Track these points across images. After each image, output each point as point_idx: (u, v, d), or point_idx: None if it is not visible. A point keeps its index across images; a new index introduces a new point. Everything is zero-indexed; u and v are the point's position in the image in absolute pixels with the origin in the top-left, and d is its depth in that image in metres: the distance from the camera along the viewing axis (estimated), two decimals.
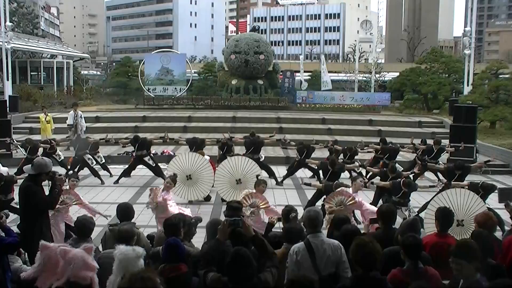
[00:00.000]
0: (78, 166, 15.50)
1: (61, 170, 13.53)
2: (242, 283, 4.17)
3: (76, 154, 15.79)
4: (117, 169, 16.48)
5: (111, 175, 16.08)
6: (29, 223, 6.77)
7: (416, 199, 12.36)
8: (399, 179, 10.87)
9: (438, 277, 4.71)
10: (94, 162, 15.80)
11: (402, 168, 13.59)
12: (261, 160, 15.26)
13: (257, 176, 10.78)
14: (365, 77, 37.77)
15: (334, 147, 15.51)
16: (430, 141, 16.58)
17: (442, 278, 4.79)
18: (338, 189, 9.16)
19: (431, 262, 4.96)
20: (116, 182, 15.35)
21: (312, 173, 15.89)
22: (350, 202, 8.71)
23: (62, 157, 16.05)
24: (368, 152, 15.97)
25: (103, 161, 16.39)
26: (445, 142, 17.57)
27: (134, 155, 15.90)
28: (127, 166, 16.00)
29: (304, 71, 38.47)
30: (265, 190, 9.25)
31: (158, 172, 15.38)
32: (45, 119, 20.84)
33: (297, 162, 15.48)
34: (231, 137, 16.34)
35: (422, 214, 9.55)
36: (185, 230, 5.78)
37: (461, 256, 4.22)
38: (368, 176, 14.90)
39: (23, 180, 7.29)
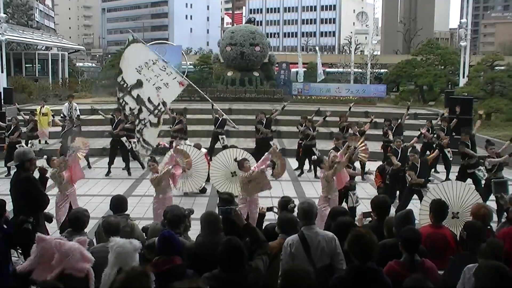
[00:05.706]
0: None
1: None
2: (234, 271, 4.18)
3: (62, 143, 15.88)
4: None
5: (89, 167, 16.26)
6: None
7: None
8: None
9: (435, 269, 4.71)
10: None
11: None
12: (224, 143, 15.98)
13: (235, 159, 10.25)
14: (360, 69, 37.76)
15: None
16: None
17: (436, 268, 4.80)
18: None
19: (428, 254, 4.96)
20: (107, 174, 15.49)
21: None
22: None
23: (37, 147, 16.26)
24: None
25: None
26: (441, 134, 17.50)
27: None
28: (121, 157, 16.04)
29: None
30: (250, 165, 9.40)
31: (133, 156, 15.87)
32: (40, 111, 20.80)
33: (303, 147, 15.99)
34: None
35: (417, 206, 9.54)
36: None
37: None
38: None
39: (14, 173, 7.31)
